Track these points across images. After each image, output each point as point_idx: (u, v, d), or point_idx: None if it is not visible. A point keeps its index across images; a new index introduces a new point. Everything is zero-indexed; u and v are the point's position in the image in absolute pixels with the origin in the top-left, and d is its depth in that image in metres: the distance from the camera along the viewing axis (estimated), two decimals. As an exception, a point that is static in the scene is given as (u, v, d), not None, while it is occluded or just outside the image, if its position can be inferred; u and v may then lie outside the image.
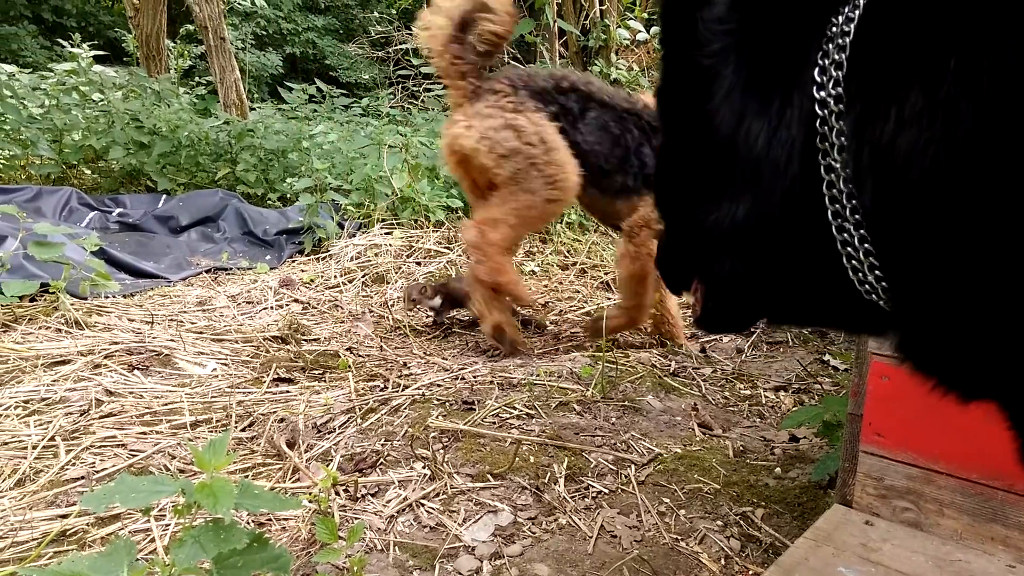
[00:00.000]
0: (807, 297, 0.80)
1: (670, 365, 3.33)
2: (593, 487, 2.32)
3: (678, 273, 1.03)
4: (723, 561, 2.04)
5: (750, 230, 0.76)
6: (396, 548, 1.97)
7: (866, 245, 0.69)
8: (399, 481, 2.26)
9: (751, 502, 2.29)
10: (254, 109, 8.49)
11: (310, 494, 2.13)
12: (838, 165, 0.68)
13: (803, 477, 2.42)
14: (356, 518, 2.06)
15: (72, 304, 3.73)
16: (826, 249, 0.71)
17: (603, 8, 5.72)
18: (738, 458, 2.56)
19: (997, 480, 1.72)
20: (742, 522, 2.20)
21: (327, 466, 2.32)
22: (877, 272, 0.69)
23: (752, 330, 3.90)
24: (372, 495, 2.20)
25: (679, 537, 2.12)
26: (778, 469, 2.48)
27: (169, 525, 2.03)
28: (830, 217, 0.70)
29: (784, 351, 3.68)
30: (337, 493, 2.18)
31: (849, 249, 0.70)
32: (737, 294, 0.86)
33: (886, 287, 0.70)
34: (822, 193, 0.69)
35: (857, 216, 0.68)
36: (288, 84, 7.86)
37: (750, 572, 2.03)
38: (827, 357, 3.55)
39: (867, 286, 0.71)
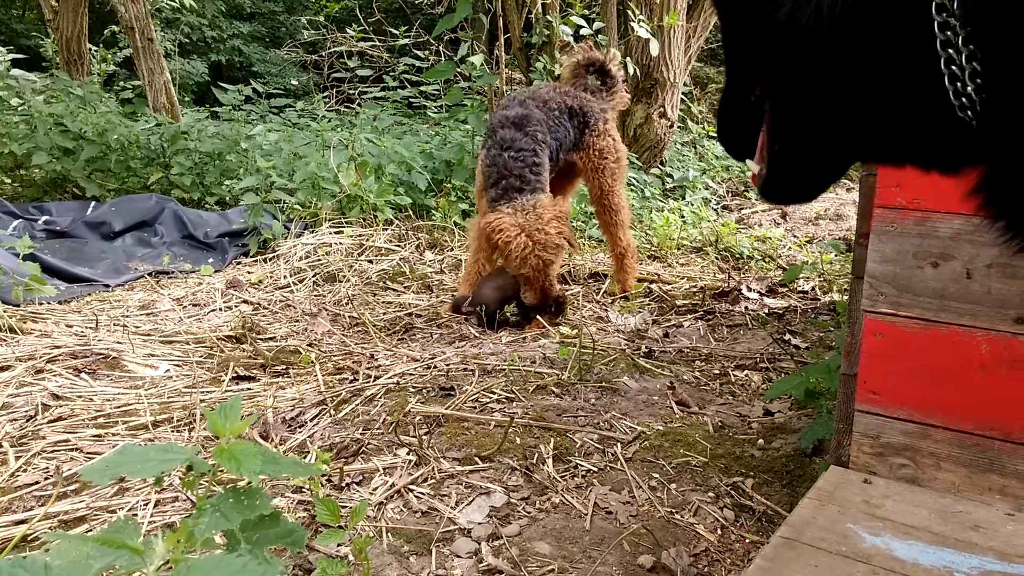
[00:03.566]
0: (891, 117, 0.70)
1: (639, 348, 3.31)
2: (582, 466, 2.27)
3: (737, 127, 0.90)
4: (719, 531, 2.02)
5: (835, 26, 0.66)
6: (389, 534, 1.88)
7: (971, 47, 0.60)
8: (384, 468, 2.17)
9: (740, 473, 2.28)
10: (185, 114, 8.20)
11: (294, 484, 2.03)
12: None
13: (787, 447, 2.42)
14: (344, 506, 1.96)
15: (5, 310, 3.50)
16: (923, 52, 0.62)
17: (545, 3, 5.72)
18: (718, 432, 2.55)
19: (994, 431, 1.74)
20: (733, 492, 2.18)
21: (305, 457, 2.21)
22: (979, 81, 0.61)
23: (710, 318, 3.92)
24: (357, 483, 2.10)
25: (673, 510, 2.09)
26: (760, 441, 2.48)
27: (142, 524, 1.90)
28: (933, 12, 0.61)
29: (745, 333, 3.71)
30: (320, 483, 2.07)
31: (951, 51, 0.61)
32: (810, 117, 0.75)
33: (984, 99, 0.61)
34: None
35: (965, 12, 0.59)
36: (222, 85, 7.61)
37: (747, 540, 2.01)
38: (788, 336, 3.59)
39: (964, 99, 0.63)
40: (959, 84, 0.63)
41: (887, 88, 0.69)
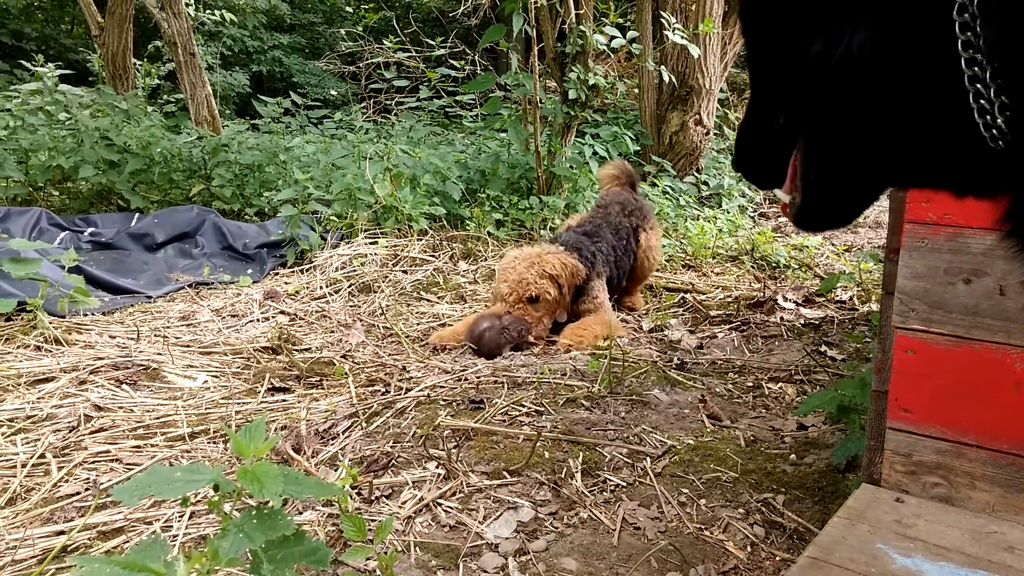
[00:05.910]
0: (924, 147, 0.72)
1: (671, 360, 3.30)
2: (611, 480, 2.27)
3: (763, 157, 0.90)
4: (749, 548, 2.00)
5: (866, 61, 0.67)
6: (417, 548, 1.90)
7: (999, 82, 0.61)
8: (413, 482, 2.19)
9: (771, 489, 2.26)
10: (226, 126, 8.37)
11: (324, 497, 2.06)
12: None
13: (819, 462, 2.39)
14: (372, 520, 1.99)
15: (50, 322, 3.61)
16: (952, 86, 0.64)
17: (579, 13, 5.72)
18: (750, 447, 2.53)
19: (1030, 449, 1.70)
20: (764, 509, 2.16)
21: (336, 471, 2.25)
22: (1008, 114, 0.62)
23: (745, 329, 3.89)
24: (386, 497, 2.13)
25: (703, 526, 2.07)
26: (793, 456, 2.45)
27: (177, 536, 1.94)
28: (960, 48, 0.62)
29: (780, 344, 3.67)
30: (350, 496, 2.10)
31: (979, 86, 0.62)
32: (846, 147, 0.77)
33: (1014, 132, 0.63)
34: (952, 19, 0.62)
35: (992, 48, 0.60)
36: (262, 97, 7.75)
37: (777, 558, 1.99)
38: (823, 348, 3.54)
39: (994, 131, 0.64)
40: (989, 117, 0.64)
41: (921, 121, 0.71)
